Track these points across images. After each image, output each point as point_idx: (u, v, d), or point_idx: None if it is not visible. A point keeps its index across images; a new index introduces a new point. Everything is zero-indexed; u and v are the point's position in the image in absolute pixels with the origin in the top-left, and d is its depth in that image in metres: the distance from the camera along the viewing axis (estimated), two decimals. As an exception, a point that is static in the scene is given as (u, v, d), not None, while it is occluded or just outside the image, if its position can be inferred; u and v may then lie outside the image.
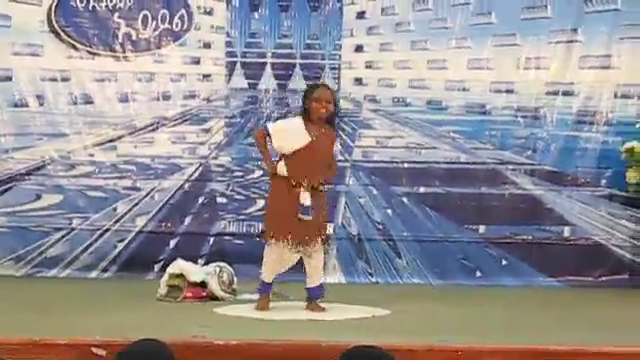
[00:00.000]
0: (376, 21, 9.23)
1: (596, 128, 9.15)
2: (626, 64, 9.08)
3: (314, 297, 7.07)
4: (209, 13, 9.21)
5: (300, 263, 7.11)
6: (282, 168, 6.96)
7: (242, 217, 9.15)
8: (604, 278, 9.03)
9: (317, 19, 9.23)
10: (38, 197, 9.14)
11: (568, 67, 9.11)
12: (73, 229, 9.10)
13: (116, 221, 9.12)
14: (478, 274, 9.10)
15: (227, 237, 9.15)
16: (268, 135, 7.02)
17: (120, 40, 9.14)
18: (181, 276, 7.65)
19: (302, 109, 7.05)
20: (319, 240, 7.00)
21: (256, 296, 7.17)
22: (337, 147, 7.39)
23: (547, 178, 9.17)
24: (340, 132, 8.09)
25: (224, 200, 9.22)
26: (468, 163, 9.21)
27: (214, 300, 7.55)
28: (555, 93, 9.15)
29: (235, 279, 7.82)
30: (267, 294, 7.11)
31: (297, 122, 7.04)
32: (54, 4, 9.05)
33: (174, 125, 9.25)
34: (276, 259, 7.01)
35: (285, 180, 6.94)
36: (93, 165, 9.17)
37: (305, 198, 6.88)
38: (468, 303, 7.80)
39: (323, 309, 6.99)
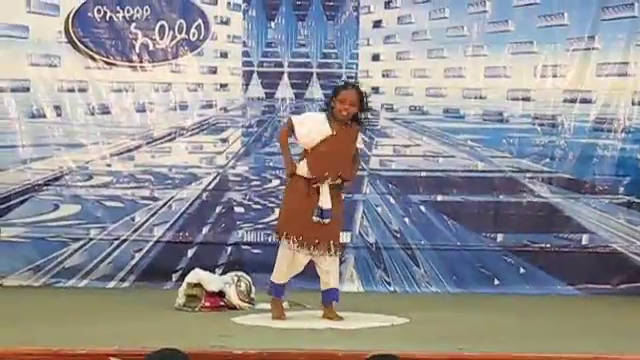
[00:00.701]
0: (393, 30, 9.23)
1: (614, 135, 9.11)
2: (644, 71, 9.07)
3: (328, 300, 7.04)
4: (226, 23, 9.23)
5: (315, 271, 7.10)
6: (303, 168, 6.94)
7: (260, 226, 9.16)
8: (623, 286, 8.99)
9: (334, 28, 9.24)
10: (56, 207, 9.16)
11: (585, 74, 9.08)
12: (91, 239, 9.12)
13: (134, 231, 9.13)
14: (496, 282, 9.08)
15: (245, 246, 9.16)
16: (292, 129, 6.99)
17: (137, 50, 9.16)
18: (199, 285, 7.65)
19: (328, 106, 7.04)
20: (329, 244, 6.97)
21: (274, 306, 7.17)
22: (360, 144, 7.21)
23: (565, 186, 9.14)
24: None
25: (242, 209, 9.22)
26: (486, 171, 9.19)
27: (232, 309, 7.55)
28: (572, 101, 9.12)
29: (253, 288, 7.82)
30: (278, 297, 7.10)
31: (320, 116, 7.05)
32: (72, 15, 9.09)
33: (191, 135, 9.26)
34: (288, 260, 6.99)
35: (303, 180, 6.93)
36: (111, 175, 9.19)
37: (325, 202, 6.87)
38: (486, 311, 7.78)
39: (340, 317, 6.97)
